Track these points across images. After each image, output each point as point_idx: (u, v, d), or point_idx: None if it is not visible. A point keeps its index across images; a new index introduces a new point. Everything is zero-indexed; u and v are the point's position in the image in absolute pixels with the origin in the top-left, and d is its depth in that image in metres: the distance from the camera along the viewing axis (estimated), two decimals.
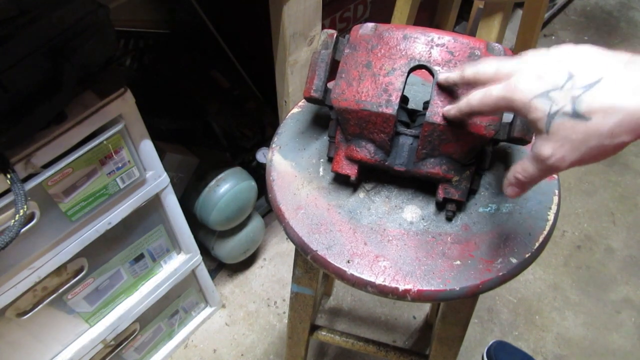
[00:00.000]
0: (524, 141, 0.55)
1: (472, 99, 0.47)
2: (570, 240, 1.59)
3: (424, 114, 0.54)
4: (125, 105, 0.77)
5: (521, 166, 0.45)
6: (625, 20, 2.32)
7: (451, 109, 0.52)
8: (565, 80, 0.40)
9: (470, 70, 0.49)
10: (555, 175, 0.63)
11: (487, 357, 1.31)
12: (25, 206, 0.64)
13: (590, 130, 0.38)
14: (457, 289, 0.53)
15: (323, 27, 1.10)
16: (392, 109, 0.54)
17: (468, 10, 1.91)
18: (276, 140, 0.68)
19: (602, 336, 1.39)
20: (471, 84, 0.49)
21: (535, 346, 1.37)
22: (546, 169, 0.42)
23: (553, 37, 2.23)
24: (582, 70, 0.39)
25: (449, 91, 0.54)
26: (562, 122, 0.39)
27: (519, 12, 1.83)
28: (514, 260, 0.56)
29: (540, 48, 0.44)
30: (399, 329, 1.39)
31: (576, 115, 0.39)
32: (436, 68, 0.55)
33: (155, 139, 0.87)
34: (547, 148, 0.41)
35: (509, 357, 1.29)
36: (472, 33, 1.80)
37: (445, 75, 0.53)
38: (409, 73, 0.55)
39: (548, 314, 1.43)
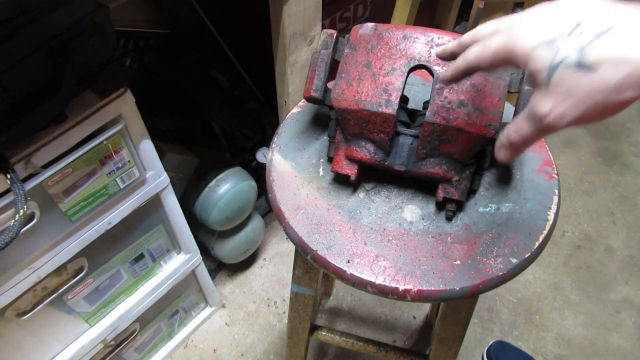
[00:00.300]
0: None
1: (469, 53, 0.43)
2: (570, 240, 1.59)
3: (424, 114, 0.54)
4: (125, 105, 0.77)
5: (515, 125, 0.41)
6: None
7: (447, 70, 0.47)
8: (572, 28, 0.36)
9: (468, 34, 0.45)
10: (555, 175, 0.63)
11: (487, 357, 1.31)
12: (25, 206, 0.64)
13: (596, 83, 0.34)
14: (457, 289, 0.53)
15: (323, 27, 1.10)
16: (392, 109, 0.54)
17: (468, 10, 1.91)
18: (276, 140, 0.68)
19: (602, 336, 1.39)
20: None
21: (535, 346, 1.37)
22: (543, 128, 0.39)
23: None
24: (592, 17, 0.36)
25: (450, 92, 0.54)
26: (566, 73, 0.35)
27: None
28: (514, 260, 0.56)
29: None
30: (399, 329, 1.39)
31: (581, 65, 0.35)
32: (436, 68, 0.55)
33: (155, 139, 0.87)
34: (545, 103, 0.37)
35: (509, 357, 1.29)
36: None
37: (441, 48, 0.50)
38: (408, 73, 0.55)
39: (548, 314, 1.43)
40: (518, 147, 0.42)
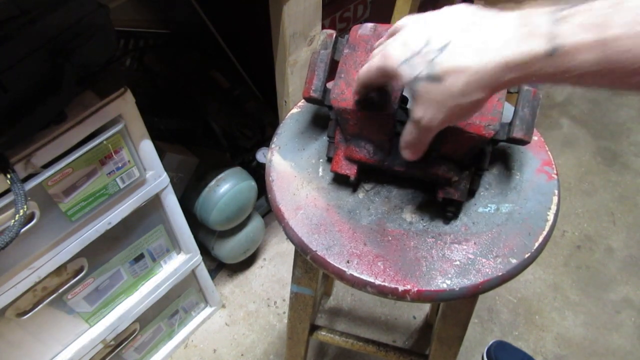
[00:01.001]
0: (523, 141, 0.55)
1: (360, 73, 0.49)
2: (570, 240, 1.59)
3: None
4: (125, 105, 0.77)
5: (407, 130, 0.48)
6: None
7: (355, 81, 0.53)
8: (422, 46, 0.41)
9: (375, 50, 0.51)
10: (554, 175, 0.63)
11: (487, 357, 1.31)
12: (25, 206, 0.64)
13: (445, 91, 0.40)
14: (457, 289, 0.53)
15: (323, 27, 1.10)
16: (391, 109, 0.54)
17: None
18: (275, 140, 0.68)
19: (602, 336, 1.39)
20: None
21: (535, 346, 1.37)
22: (424, 129, 0.45)
23: None
24: (437, 34, 0.41)
25: None
26: (422, 85, 0.41)
27: None
28: (513, 261, 0.56)
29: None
30: (399, 329, 1.39)
31: (432, 78, 0.41)
32: None
33: (155, 139, 0.87)
34: (418, 111, 0.43)
35: (509, 357, 1.29)
36: None
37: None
38: None
39: (548, 314, 1.43)
40: (415, 145, 0.48)
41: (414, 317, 1.41)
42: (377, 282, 0.54)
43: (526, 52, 0.37)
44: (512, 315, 1.42)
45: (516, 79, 0.38)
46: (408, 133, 0.47)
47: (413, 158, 0.50)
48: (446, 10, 0.43)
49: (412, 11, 1.22)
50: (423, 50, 0.41)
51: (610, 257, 1.55)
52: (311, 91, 0.59)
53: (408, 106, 0.55)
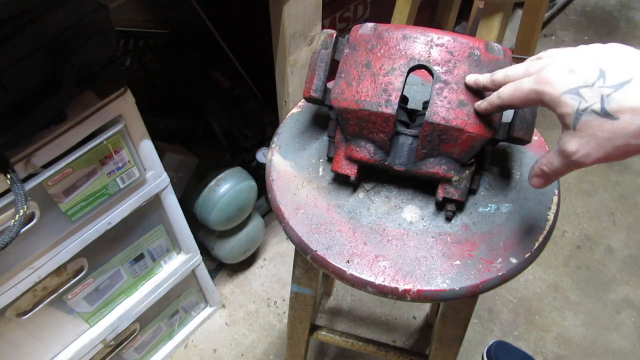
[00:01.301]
0: (523, 141, 0.55)
1: (503, 92, 0.48)
2: (570, 240, 1.59)
3: (424, 114, 0.54)
4: (125, 105, 0.77)
5: (547, 159, 0.45)
6: (625, 20, 2.32)
7: (481, 102, 0.52)
8: (596, 78, 0.40)
9: (500, 73, 0.49)
10: None
11: (487, 357, 1.31)
12: (25, 206, 0.64)
13: (617, 129, 0.39)
14: (457, 289, 0.53)
15: (323, 27, 1.10)
16: (391, 109, 0.54)
17: (468, 10, 1.91)
18: (276, 140, 0.68)
19: (602, 336, 1.39)
20: (501, 85, 0.49)
21: (535, 346, 1.37)
22: (571, 163, 0.43)
23: (553, 37, 2.23)
24: (614, 68, 0.39)
25: (450, 92, 0.54)
26: (590, 119, 0.40)
27: (519, 12, 1.83)
28: (513, 260, 0.56)
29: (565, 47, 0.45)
30: (399, 329, 1.39)
31: (605, 113, 0.39)
32: (435, 68, 0.55)
33: (155, 139, 0.87)
34: (573, 144, 0.41)
35: (509, 357, 1.29)
36: (472, 33, 1.80)
37: (474, 77, 0.53)
38: (408, 73, 0.55)
39: (548, 314, 1.43)
40: (549, 177, 0.47)
41: (414, 317, 1.41)
42: (378, 281, 0.54)
43: None
44: (512, 315, 1.42)
45: None
46: (549, 163, 0.45)
47: (541, 187, 0.48)
48: (617, 46, 0.42)
49: (412, 11, 1.22)
50: (596, 83, 0.39)
51: (610, 257, 1.55)
52: (311, 91, 0.59)
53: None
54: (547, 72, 0.43)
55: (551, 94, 0.42)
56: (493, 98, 0.49)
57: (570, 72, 0.41)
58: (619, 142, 0.39)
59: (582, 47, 0.43)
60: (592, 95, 0.40)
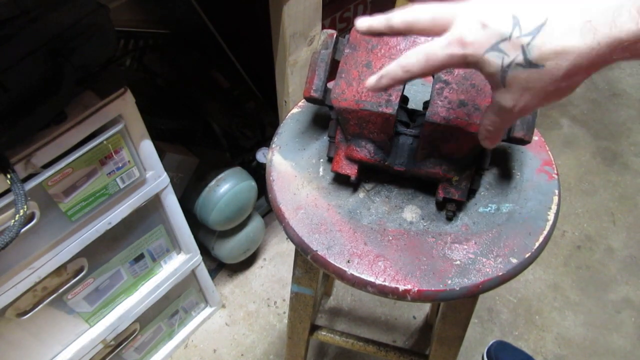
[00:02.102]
0: (523, 141, 0.55)
1: (411, 63, 0.41)
2: (570, 240, 1.59)
3: (424, 114, 0.54)
4: (125, 105, 0.77)
5: (489, 120, 0.44)
6: None
7: (379, 77, 0.44)
8: (512, 28, 0.37)
9: (399, 18, 0.42)
10: (555, 175, 0.63)
11: (487, 357, 1.31)
12: (25, 206, 0.64)
13: (545, 76, 0.37)
14: (457, 289, 0.53)
15: (323, 27, 1.10)
16: (392, 109, 0.54)
17: None
18: (276, 140, 0.68)
19: (602, 336, 1.39)
20: (401, 34, 0.44)
21: (535, 346, 1.37)
22: (514, 116, 0.41)
23: None
24: (526, 11, 0.37)
25: (450, 92, 0.54)
26: (517, 73, 0.38)
27: None
28: (514, 260, 0.56)
29: None
30: (399, 329, 1.39)
31: (529, 64, 0.37)
32: None
33: (155, 139, 0.87)
34: (508, 100, 0.40)
35: (509, 357, 1.29)
36: None
37: (366, 22, 0.44)
38: None
39: (548, 314, 1.43)
40: (498, 133, 0.45)
41: (414, 317, 1.41)
42: (378, 281, 0.54)
43: None
44: (512, 315, 1.42)
45: (625, 57, 0.35)
46: (493, 123, 0.43)
47: (494, 145, 0.47)
48: None
49: None
50: (513, 34, 0.37)
51: (610, 257, 1.55)
52: (312, 91, 0.59)
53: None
54: (460, 30, 0.39)
55: (474, 56, 0.39)
56: (397, 72, 0.42)
57: (483, 27, 0.38)
58: (550, 87, 0.37)
59: None
60: (513, 48, 0.37)
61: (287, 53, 1.01)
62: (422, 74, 0.42)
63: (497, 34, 0.37)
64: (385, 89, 0.45)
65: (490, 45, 0.38)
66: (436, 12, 0.41)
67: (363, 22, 0.44)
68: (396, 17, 0.42)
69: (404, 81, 0.43)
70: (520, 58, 0.37)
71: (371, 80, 0.44)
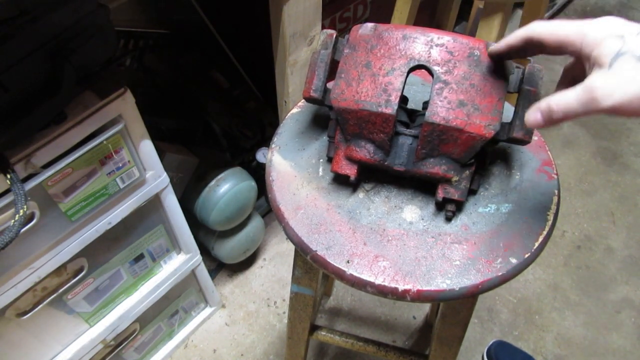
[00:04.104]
0: (523, 141, 0.55)
1: (537, 25, 0.48)
2: (570, 240, 1.59)
3: (424, 114, 0.54)
4: (125, 105, 0.77)
5: (560, 95, 0.44)
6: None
7: (502, 41, 0.52)
8: (637, 31, 0.42)
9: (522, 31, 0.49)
10: (554, 175, 0.63)
11: (487, 357, 1.31)
12: (25, 206, 0.64)
13: None
14: (457, 289, 0.53)
15: (323, 27, 1.10)
16: (391, 109, 0.54)
17: (468, 10, 1.91)
18: (276, 140, 0.68)
19: (602, 336, 1.39)
20: (527, 43, 0.49)
21: (535, 346, 1.37)
22: (588, 100, 0.42)
23: None
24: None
25: (450, 92, 0.54)
26: (628, 60, 0.40)
27: (519, 12, 1.83)
28: (513, 261, 0.56)
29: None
30: (399, 329, 1.39)
31: None
32: (435, 68, 0.55)
33: (155, 139, 0.87)
34: (600, 79, 0.41)
35: (509, 357, 1.29)
36: (472, 33, 1.80)
37: (493, 47, 0.53)
38: (408, 73, 0.55)
39: (548, 314, 1.43)
40: (553, 116, 0.45)
41: (414, 317, 1.41)
42: (377, 282, 0.54)
43: None
44: (512, 315, 1.42)
45: None
46: (563, 98, 0.44)
47: (536, 126, 0.47)
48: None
49: (412, 11, 1.22)
50: (635, 32, 0.42)
51: (610, 257, 1.55)
52: (311, 91, 0.59)
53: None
54: (591, 22, 0.44)
55: (594, 35, 0.43)
56: (520, 31, 0.49)
57: (614, 25, 0.43)
58: None
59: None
60: (635, 42, 0.41)
61: (287, 53, 1.01)
62: (540, 38, 0.47)
63: (626, 30, 0.42)
64: (509, 49, 0.51)
65: (615, 33, 0.42)
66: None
67: (492, 47, 0.54)
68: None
69: (529, 39, 0.49)
70: (638, 51, 0.40)
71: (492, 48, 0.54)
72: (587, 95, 0.42)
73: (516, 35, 0.49)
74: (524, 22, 1.21)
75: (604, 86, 0.41)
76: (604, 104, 0.41)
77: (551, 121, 0.45)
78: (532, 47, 0.49)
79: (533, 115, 0.46)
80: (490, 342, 1.33)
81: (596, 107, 0.41)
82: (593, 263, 1.53)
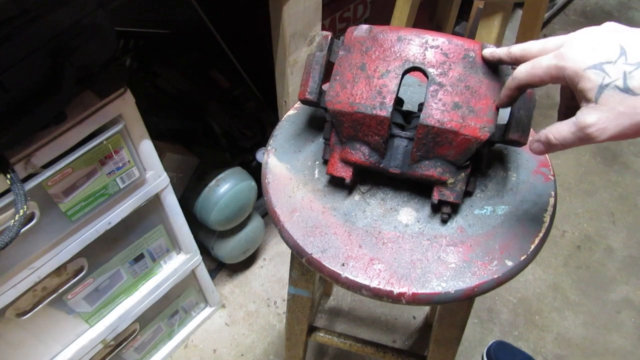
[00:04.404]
0: (519, 143, 0.55)
1: (519, 72, 0.48)
2: (570, 240, 1.58)
3: (419, 116, 0.54)
4: (125, 105, 0.77)
5: (557, 129, 0.46)
6: (625, 20, 2.31)
7: (500, 97, 0.53)
8: (618, 56, 0.42)
9: (517, 47, 0.50)
10: (551, 177, 0.63)
11: (487, 357, 1.31)
12: (25, 206, 0.65)
13: (637, 104, 0.40)
14: (452, 292, 0.54)
15: (323, 27, 1.10)
16: (386, 112, 0.54)
17: (468, 11, 1.91)
18: (272, 142, 0.68)
19: (602, 336, 1.38)
20: (518, 61, 0.50)
21: (535, 346, 1.37)
22: (584, 137, 0.43)
23: None
24: (634, 47, 0.42)
25: (444, 94, 0.54)
26: (613, 94, 0.41)
27: (519, 12, 1.83)
28: (509, 263, 0.56)
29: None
30: (398, 329, 1.40)
31: (627, 89, 0.41)
32: (430, 70, 0.54)
33: (155, 139, 0.87)
34: (592, 116, 0.42)
35: (509, 357, 1.29)
36: (472, 33, 1.80)
37: (490, 50, 0.54)
38: (403, 75, 0.55)
39: (548, 314, 1.43)
40: (552, 147, 0.47)
41: (414, 318, 1.42)
42: (372, 285, 0.54)
43: None
44: (512, 315, 1.42)
45: None
46: (558, 132, 0.45)
47: (539, 154, 0.49)
48: (632, 29, 0.44)
49: (412, 11, 1.22)
50: (619, 61, 0.41)
51: (610, 257, 1.55)
52: (307, 93, 0.59)
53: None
54: (568, 49, 0.44)
55: (574, 69, 0.43)
56: (509, 82, 0.50)
57: (592, 49, 0.43)
58: (637, 118, 0.41)
59: (596, 27, 0.45)
60: (615, 72, 0.41)
61: (287, 53, 1.01)
62: (527, 82, 0.48)
63: (604, 57, 0.42)
64: (510, 100, 0.52)
65: (594, 64, 0.42)
66: (546, 41, 0.48)
67: (487, 51, 0.54)
68: (515, 47, 0.51)
69: (517, 88, 0.50)
70: (620, 82, 0.41)
71: (497, 102, 0.55)
72: (582, 133, 0.43)
73: (509, 88, 0.51)
74: (524, 22, 1.21)
75: (596, 123, 0.42)
76: (600, 139, 0.43)
77: (550, 151, 0.48)
78: (527, 88, 0.51)
79: (536, 145, 0.48)
80: (490, 342, 1.33)
81: (592, 142, 0.43)
82: (593, 263, 1.53)
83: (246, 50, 1.43)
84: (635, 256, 1.54)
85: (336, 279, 0.55)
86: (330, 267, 0.55)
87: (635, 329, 1.40)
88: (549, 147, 0.47)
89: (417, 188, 0.61)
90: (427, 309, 1.42)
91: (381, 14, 1.48)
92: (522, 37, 1.23)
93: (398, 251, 0.57)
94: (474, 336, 1.38)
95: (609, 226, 1.62)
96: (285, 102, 1.14)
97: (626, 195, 1.70)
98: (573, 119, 0.44)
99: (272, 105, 1.28)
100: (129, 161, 0.83)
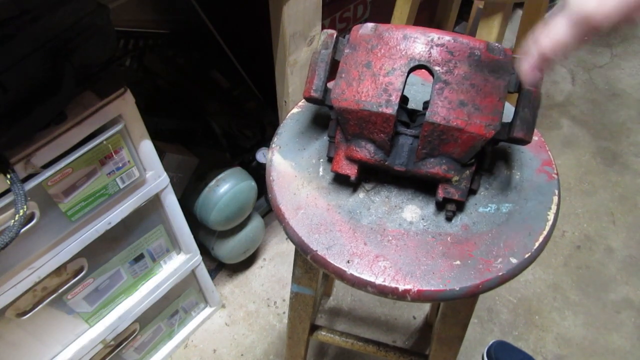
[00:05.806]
0: (523, 141, 0.55)
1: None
2: (570, 240, 1.59)
3: (424, 114, 0.54)
4: (125, 105, 0.77)
5: (548, 32, 0.41)
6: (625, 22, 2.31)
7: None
8: None
9: (539, 41, 0.44)
10: (555, 175, 0.63)
11: (487, 357, 1.31)
12: (25, 206, 0.64)
13: None
14: (457, 289, 0.53)
15: (323, 27, 1.10)
16: (392, 109, 0.54)
17: (468, 11, 1.91)
18: (276, 140, 0.68)
19: (602, 336, 1.39)
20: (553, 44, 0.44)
21: (535, 346, 1.37)
22: (581, 21, 0.39)
23: None
24: None
25: (450, 92, 0.54)
26: None
27: (519, 12, 1.83)
28: (513, 261, 0.56)
29: None
30: (399, 329, 1.39)
31: None
32: (436, 68, 0.55)
33: (155, 139, 0.87)
34: (592, 2, 0.38)
35: (509, 357, 1.29)
36: (472, 33, 1.80)
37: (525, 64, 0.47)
38: (408, 73, 0.55)
39: (548, 314, 1.43)
40: (548, 59, 0.42)
41: (414, 317, 1.41)
42: (378, 281, 0.54)
43: None
44: (512, 315, 1.42)
45: None
46: (556, 30, 0.40)
47: (532, 77, 0.44)
48: None
49: (412, 11, 1.22)
50: None
51: (610, 257, 1.55)
52: (312, 91, 0.59)
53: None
54: None
55: None
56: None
57: None
58: None
59: None
60: None
61: (287, 53, 1.01)
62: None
63: None
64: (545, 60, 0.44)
65: None
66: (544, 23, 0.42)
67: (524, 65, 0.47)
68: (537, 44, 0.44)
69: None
70: None
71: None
72: (579, 17, 0.39)
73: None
74: (524, 22, 1.21)
75: (597, 9, 0.38)
76: (600, 16, 0.39)
77: (548, 65, 0.43)
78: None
79: (526, 65, 0.44)
80: (490, 342, 1.33)
81: (593, 25, 0.39)
82: (593, 263, 1.53)
83: (246, 50, 1.43)
84: (635, 256, 1.55)
85: (341, 275, 0.55)
86: (336, 264, 0.55)
87: (635, 329, 1.40)
88: (543, 60, 0.42)
89: (421, 186, 0.61)
90: (427, 309, 1.42)
91: (381, 14, 1.48)
92: (522, 37, 1.23)
93: (403, 248, 0.56)
94: (474, 336, 1.38)
95: (609, 226, 1.62)
96: (285, 102, 1.14)
97: (626, 195, 1.70)
98: (562, 12, 0.40)
99: (272, 105, 1.28)
100: (129, 161, 0.83)
